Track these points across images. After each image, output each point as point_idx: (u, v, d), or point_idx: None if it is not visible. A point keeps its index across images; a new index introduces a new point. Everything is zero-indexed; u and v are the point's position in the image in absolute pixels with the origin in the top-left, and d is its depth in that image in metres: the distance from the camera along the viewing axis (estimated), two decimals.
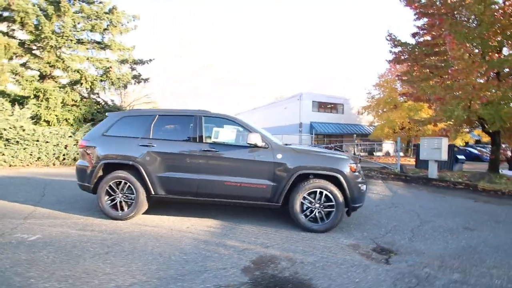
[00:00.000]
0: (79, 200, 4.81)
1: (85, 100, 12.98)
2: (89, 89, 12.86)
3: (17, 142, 9.63)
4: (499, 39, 8.77)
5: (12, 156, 9.62)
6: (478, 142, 27.54)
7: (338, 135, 25.35)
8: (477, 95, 8.43)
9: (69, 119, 11.59)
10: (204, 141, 3.66)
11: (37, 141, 10.00)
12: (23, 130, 9.68)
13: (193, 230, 3.41)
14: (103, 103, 14.34)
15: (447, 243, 3.23)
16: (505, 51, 9.26)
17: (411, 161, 17.61)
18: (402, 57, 12.19)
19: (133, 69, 14.64)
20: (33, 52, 11.59)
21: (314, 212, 3.44)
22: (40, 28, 10.54)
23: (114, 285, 2.09)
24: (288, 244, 3.06)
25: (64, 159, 10.71)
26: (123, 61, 14.18)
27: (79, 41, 12.47)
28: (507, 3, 8.62)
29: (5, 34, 11.21)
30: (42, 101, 10.72)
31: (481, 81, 8.80)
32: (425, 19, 10.99)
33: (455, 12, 9.62)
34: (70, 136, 10.82)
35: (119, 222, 3.62)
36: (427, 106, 15.20)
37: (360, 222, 4.00)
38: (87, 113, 12.49)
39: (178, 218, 3.89)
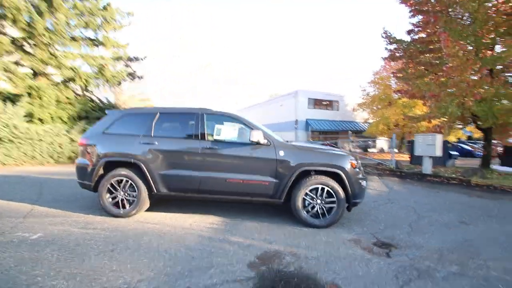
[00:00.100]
0: (78, 199, 4.78)
1: (79, 97, 12.78)
2: (83, 87, 12.67)
3: (11, 140, 9.45)
4: (492, 36, 8.93)
5: (5, 155, 9.43)
6: (469, 138, 28.06)
7: (333, 132, 25.53)
8: (471, 92, 8.58)
9: (63, 117, 11.40)
10: (206, 139, 3.67)
11: (31, 139, 9.82)
12: (17, 128, 9.49)
13: (196, 227, 3.43)
14: (97, 101, 14.15)
15: (444, 237, 3.32)
16: (497, 48, 9.42)
17: (405, 157, 17.86)
18: (397, 54, 12.32)
19: (127, 66, 14.47)
20: (25, 49, 11.33)
21: (315, 208, 3.50)
22: (32, 25, 10.30)
23: (122, 281, 2.10)
24: (291, 239, 3.11)
25: (58, 157, 10.56)
26: (117, 58, 13.99)
27: (72, 38, 12.24)
28: (500, 0, 8.78)
29: None
30: (35, 99, 10.51)
31: (475, 78, 8.95)
32: (420, 17, 11.10)
33: (450, 10, 9.75)
34: (65, 134, 10.65)
35: (121, 220, 3.61)
36: (422, 103, 15.42)
37: (359, 217, 4.07)
38: (82, 111, 12.30)
39: (180, 215, 3.90)
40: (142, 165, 3.61)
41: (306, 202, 3.52)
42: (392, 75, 20.69)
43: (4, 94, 10.73)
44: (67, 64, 11.78)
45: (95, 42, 13.30)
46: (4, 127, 9.29)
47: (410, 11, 11.10)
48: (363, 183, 3.65)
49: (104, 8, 12.92)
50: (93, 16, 12.59)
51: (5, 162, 9.45)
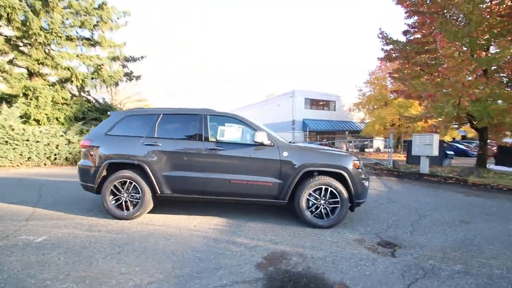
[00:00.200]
0: (79, 201, 4.74)
1: (75, 98, 12.66)
2: (80, 87, 12.55)
3: (6, 142, 9.33)
4: (487, 37, 9.08)
5: (1, 157, 9.31)
6: (464, 137, 28.48)
7: (330, 132, 25.68)
8: (466, 92, 8.72)
9: (59, 118, 11.29)
10: (210, 140, 3.68)
11: (27, 140, 9.71)
12: (12, 129, 9.38)
13: (200, 228, 3.44)
14: (94, 101, 14.03)
15: (446, 236, 3.38)
16: (492, 49, 9.59)
17: (402, 156, 18.06)
18: (394, 55, 12.44)
19: (124, 66, 14.37)
20: (20, 49, 11.19)
21: (319, 209, 3.53)
22: (27, 24, 10.16)
23: (132, 284, 2.10)
24: (296, 240, 3.13)
25: (55, 159, 10.46)
26: (114, 58, 13.89)
27: (68, 38, 12.12)
28: (493, 2, 8.94)
29: None
30: (31, 99, 10.39)
31: (470, 78, 9.10)
32: (416, 17, 11.22)
33: (445, 11, 9.89)
34: (62, 135, 10.55)
35: (125, 222, 3.60)
36: (418, 103, 15.59)
37: (361, 217, 4.11)
38: (78, 112, 12.20)
39: (184, 216, 3.90)
40: (146, 167, 3.60)
41: (310, 203, 3.55)
42: (388, 75, 20.94)
43: None
44: (63, 64, 11.66)
45: (91, 42, 13.19)
46: (0, 128, 9.16)
47: (406, 12, 11.21)
48: (366, 183, 3.70)
49: (100, 7, 12.82)
50: (89, 15, 12.49)
51: (1, 164, 9.33)
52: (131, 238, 3.03)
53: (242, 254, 2.70)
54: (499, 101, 8.96)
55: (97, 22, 12.56)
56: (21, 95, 10.36)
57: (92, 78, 12.31)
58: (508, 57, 8.41)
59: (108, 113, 4.14)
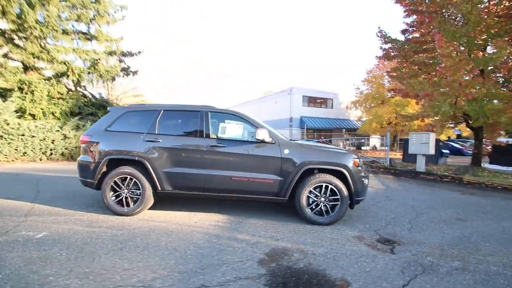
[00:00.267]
0: (77, 196, 4.72)
1: (71, 93, 12.51)
2: (76, 82, 12.39)
3: (1, 136, 9.21)
4: (484, 37, 9.15)
5: None
6: (459, 136, 28.82)
7: (328, 129, 25.79)
8: (463, 92, 8.80)
9: (55, 112, 11.15)
10: (211, 137, 3.68)
11: (23, 135, 9.59)
12: (7, 124, 9.25)
13: (201, 224, 3.45)
14: (90, 96, 13.88)
15: (443, 233, 3.44)
16: (489, 49, 9.67)
17: (398, 155, 18.24)
18: (392, 54, 12.48)
19: (121, 61, 14.22)
20: (15, 42, 10.98)
21: (319, 206, 3.56)
22: (23, 17, 9.97)
23: (136, 280, 2.11)
24: (297, 236, 3.16)
25: (51, 154, 10.36)
26: (110, 53, 13.74)
27: (64, 32, 11.92)
28: (491, 2, 9.00)
29: None
30: (26, 93, 10.23)
31: (467, 78, 9.18)
32: (415, 16, 11.25)
33: (443, 11, 9.93)
34: (58, 131, 10.44)
35: (126, 218, 3.60)
36: (415, 102, 15.69)
37: (360, 214, 4.16)
38: (74, 107, 12.05)
39: (185, 213, 3.91)
40: (147, 163, 3.59)
41: (310, 200, 3.58)
42: (385, 74, 21.03)
43: None
44: (59, 58, 11.49)
45: (87, 36, 13.01)
46: None
47: (405, 11, 11.23)
48: (365, 181, 3.73)
49: (97, 0, 12.62)
50: (86, 8, 12.29)
51: None
52: (132, 234, 3.03)
53: (244, 251, 2.72)
54: (495, 101, 9.06)
55: (93, 16, 12.39)
56: (16, 89, 10.21)
57: (89, 73, 12.17)
58: (505, 58, 8.51)
59: (108, 108, 4.11)
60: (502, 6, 8.71)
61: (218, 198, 3.77)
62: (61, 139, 10.45)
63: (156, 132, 3.73)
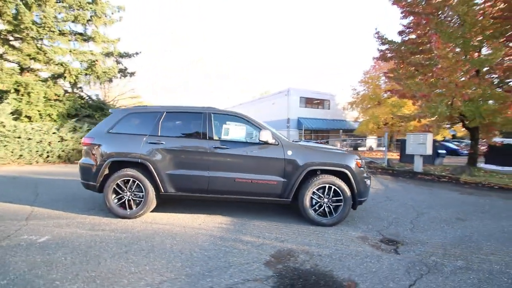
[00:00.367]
0: (77, 199, 4.67)
1: (68, 94, 12.40)
2: (73, 83, 12.28)
3: None
4: (479, 39, 9.28)
5: None
6: (453, 136, 29.13)
7: (325, 130, 25.90)
8: (459, 93, 8.91)
9: (52, 114, 11.03)
10: (214, 138, 3.67)
11: (19, 137, 9.48)
12: (3, 126, 9.14)
13: (205, 227, 3.44)
14: (87, 98, 13.77)
15: (445, 233, 3.48)
16: (484, 50, 9.82)
17: (394, 155, 18.38)
18: (389, 55, 12.60)
19: (118, 62, 14.13)
20: (11, 43, 10.85)
21: (323, 207, 3.58)
22: (19, 18, 9.86)
23: (144, 283, 2.10)
24: (301, 238, 3.17)
25: (48, 156, 10.24)
26: (108, 54, 13.64)
27: (61, 33, 11.82)
28: (487, 4, 9.15)
29: None
30: (23, 95, 10.11)
31: (463, 79, 9.30)
32: (411, 18, 11.37)
33: (440, 12, 10.06)
34: (54, 133, 10.34)
35: (129, 221, 3.57)
36: (412, 102, 15.84)
37: (362, 215, 4.19)
38: (71, 108, 11.95)
39: (188, 215, 3.90)
40: (150, 165, 3.57)
41: (314, 201, 3.59)
42: (382, 75, 21.20)
43: None
44: (56, 59, 11.37)
45: (84, 37, 12.91)
46: None
47: (402, 12, 11.34)
48: (368, 181, 3.76)
49: (94, 1, 12.54)
50: (83, 9, 12.20)
51: None
52: (136, 237, 3.02)
53: (250, 252, 2.73)
54: (491, 102, 9.19)
55: (90, 16, 12.30)
56: (12, 90, 10.08)
57: (86, 74, 12.08)
58: (500, 59, 8.64)
59: (110, 110, 4.09)
60: (497, 8, 8.86)
61: (222, 200, 3.76)
62: (58, 141, 10.34)
63: (159, 134, 3.71)
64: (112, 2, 13.17)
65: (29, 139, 9.66)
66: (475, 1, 8.82)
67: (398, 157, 14.94)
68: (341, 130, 22.91)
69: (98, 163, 3.68)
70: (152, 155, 3.62)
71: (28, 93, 10.22)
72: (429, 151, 9.43)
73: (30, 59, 10.81)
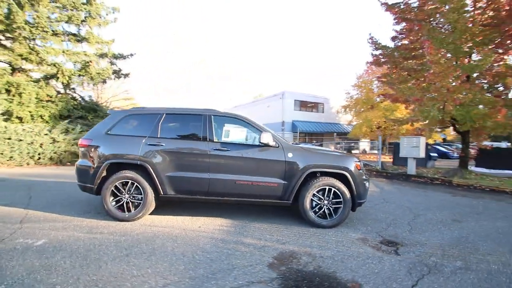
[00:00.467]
0: (73, 202, 4.58)
1: (60, 95, 12.18)
2: (66, 84, 12.08)
3: None
4: (469, 45, 9.56)
5: None
6: (444, 140, 29.77)
7: (319, 133, 26.11)
8: (451, 97, 9.14)
9: (44, 115, 10.80)
10: (214, 140, 3.66)
11: (9, 139, 9.25)
12: None
13: (206, 229, 3.41)
14: (79, 99, 13.55)
15: (442, 234, 3.54)
16: (474, 57, 10.10)
17: (387, 158, 18.64)
18: (382, 60, 12.83)
19: (112, 63, 13.98)
20: (2, 43, 10.61)
21: (323, 209, 3.59)
22: (11, 17, 9.67)
23: (148, 286, 2.06)
24: (303, 239, 3.18)
25: (39, 158, 10.02)
26: (102, 55, 13.49)
27: (54, 33, 11.63)
28: (476, 12, 9.44)
29: None
30: (14, 96, 9.89)
31: (454, 84, 9.54)
32: (404, 24, 11.63)
33: (431, 19, 10.33)
34: (46, 134, 10.14)
35: (127, 223, 3.52)
36: (404, 106, 16.16)
37: (360, 217, 4.23)
38: (64, 110, 11.73)
39: (187, 217, 3.86)
40: (149, 167, 3.53)
41: (314, 203, 3.61)
42: (375, 79, 21.56)
43: None
44: (49, 60, 11.18)
45: (78, 38, 12.74)
46: None
47: (394, 19, 11.60)
48: (367, 183, 3.80)
49: (88, 2, 12.42)
50: (77, 10, 12.05)
51: None
52: (136, 240, 2.97)
53: (252, 255, 2.72)
54: (481, 106, 9.44)
55: (85, 17, 12.16)
56: (3, 91, 9.84)
57: (80, 75, 11.89)
58: (489, 65, 8.90)
59: (108, 112, 4.04)
60: (486, 16, 9.15)
61: (222, 202, 3.74)
62: (50, 143, 10.13)
63: (159, 136, 3.68)
64: (107, 3, 13.08)
65: (20, 140, 9.44)
66: (466, 9, 9.10)
67: (391, 160, 15.17)
68: (335, 133, 23.16)
69: (96, 165, 3.62)
70: (152, 157, 3.58)
71: (20, 94, 9.99)
72: (422, 154, 9.60)
73: (22, 59, 10.60)
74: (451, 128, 11.95)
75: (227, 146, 3.64)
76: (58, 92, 12.23)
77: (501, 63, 9.42)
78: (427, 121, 10.94)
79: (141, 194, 3.58)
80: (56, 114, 11.24)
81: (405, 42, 12.23)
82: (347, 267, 2.52)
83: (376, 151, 21.53)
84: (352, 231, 3.53)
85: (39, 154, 9.92)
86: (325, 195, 3.59)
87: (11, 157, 9.35)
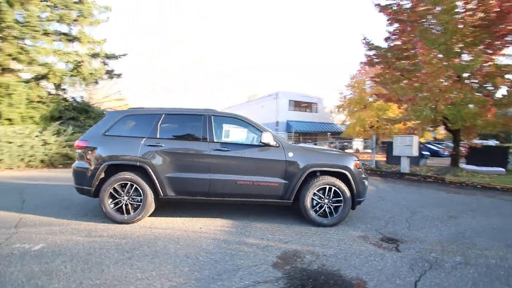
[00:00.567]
0: (68, 205, 4.48)
1: (51, 96, 11.90)
2: (57, 85, 11.82)
3: None
4: (460, 46, 9.78)
5: None
6: (434, 139, 30.36)
7: (313, 133, 26.27)
8: (442, 97, 9.32)
9: (34, 117, 10.54)
10: (215, 141, 3.64)
11: None
12: None
13: (207, 230, 3.39)
14: (71, 100, 13.27)
15: (440, 230, 3.61)
16: (464, 57, 10.34)
17: (380, 157, 18.89)
18: (376, 60, 13.00)
19: (105, 63, 13.75)
20: None
21: (323, 208, 3.62)
22: (0, 16, 9.40)
23: None
24: (304, 238, 3.19)
25: (30, 161, 9.75)
26: (94, 55, 13.24)
27: (45, 32, 11.37)
28: (467, 13, 9.67)
29: None
30: (3, 97, 9.61)
31: (446, 84, 9.74)
32: (397, 25, 11.82)
33: (423, 20, 10.53)
34: (37, 136, 9.88)
35: (127, 226, 3.46)
36: (397, 106, 16.40)
37: (359, 215, 4.27)
38: (55, 111, 11.46)
39: (187, 219, 3.83)
40: (149, 168, 3.49)
41: (314, 202, 3.63)
42: (368, 79, 21.84)
43: None
44: (39, 60, 10.92)
45: (69, 38, 12.46)
46: None
47: (388, 20, 11.76)
48: (366, 182, 3.85)
49: (80, 1, 12.17)
50: (68, 9, 11.81)
51: None
52: (137, 243, 2.93)
53: (256, 254, 2.71)
54: (471, 105, 9.67)
55: (77, 16, 11.91)
56: None
57: (72, 76, 11.65)
58: (479, 65, 9.13)
59: (105, 112, 3.98)
60: (476, 17, 9.37)
61: (223, 203, 3.73)
62: (41, 145, 9.88)
63: (158, 137, 3.64)
64: (99, 2, 12.86)
65: (10, 142, 9.18)
66: (456, 10, 9.30)
67: (385, 159, 15.39)
68: (329, 133, 23.35)
69: (94, 166, 3.55)
70: (151, 158, 3.54)
71: (9, 95, 9.71)
72: (415, 152, 9.78)
73: (12, 59, 10.31)
74: (442, 127, 12.19)
75: (228, 146, 3.63)
76: (49, 93, 11.95)
77: (490, 63, 9.67)
78: (419, 120, 11.15)
79: (140, 196, 3.53)
80: (47, 115, 10.98)
81: (398, 42, 12.40)
82: (350, 264, 2.54)
83: (369, 150, 21.81)
84: (352, 229, 3.56)
85: (29, 156, 9.66)
86: (326, 194, 3.61)
87: (1, 160, 9.09)
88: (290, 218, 3.96)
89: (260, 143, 3.60)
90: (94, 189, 3.54)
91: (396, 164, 11.97)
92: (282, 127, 25.35)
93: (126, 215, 3.51)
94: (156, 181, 3.50)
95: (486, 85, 10.16)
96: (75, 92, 14.86)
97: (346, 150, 26.47)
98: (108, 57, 13.50)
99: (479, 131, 10.90)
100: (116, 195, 3.52)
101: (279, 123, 25.31)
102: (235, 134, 3.76)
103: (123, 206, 3.52)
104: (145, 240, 3.00)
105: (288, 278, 2.27)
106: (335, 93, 26.01)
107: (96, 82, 13.49)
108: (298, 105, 27.25)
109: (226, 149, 3.60)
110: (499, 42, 9.42)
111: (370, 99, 22.25)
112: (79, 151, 3.69)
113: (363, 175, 3.82)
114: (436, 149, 23.24)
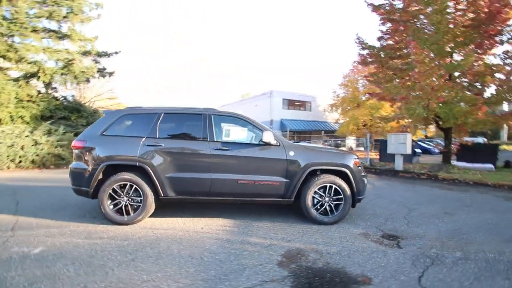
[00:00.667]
0: (64, 207, 4.39)
1: (42, 95, 11.61)
2: (47, 83, 11.53)
3: None
4: (451, 45, 9.98)
5: None
6: (426, 136, 30.96)
7: (307, 131, 26.41)
8: (435, 95, 9.51)
9: (24, 116, 10.28)
10: (215, 140, 3.62)
11: None
12: None
13: (209, 230, 3.38)
14: (62, 99, 12.98)
15: (438, 227, 3.68)
16: (455, 56, 10.56)
17: (373, 155, 19.14)
18: (369, 59, 13.14)
19: (97, 62, 13.48)
20: None
21: (324, 206, 3.65)
22: None
23: None
24: (307, 237, 3.21)
25: (20, 161, 9.51)
26: (85, 53, 12.98)
27: (34, 30, 11.06)
28: (457, 13, 9.88)
29: None
30: None
31: (437, 82, 9.93)
32: (389, 25, 11.97)
33: (415, 20, 10.69)
34: (27, 136, 9.65)
35: (127, 227, 3.41)
36: (390, 105, 16.62)
37: (358, 212, 4.32)
38: (45, 110, 11.20)
39: (188, 219, 3.80)
40: (148, 168, 3.44)
41: (315, 200, 3.65)
42: (360, 78, 22.08)
43: None
44: (28, 58, 10.62)
45: (59, 35, 12.17)
46: None
47: (380, 19, 11.90)
48: (365, 180, 3.90)
49: None
50: (58, 5, 11.51)
51: None
52: (139, 244, 2.89)
53: (260, 254, 2.71)
54: (462, 104, 9.89)
55: (66, 13, 11.62)
56: None
57: (62, 74, 11.38)
58: (470, 64, 9.34)
59: (103, 112, 3.91)
60: (466, 18, 9.57)
61: (224, 202, 3.71)
62: (32, 145, 9.64)
63: (158, 136, 3.59)
64: None
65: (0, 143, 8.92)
66: (447, 10, 9.48)
67: (378, 157, 15.61)
68: (322, 131, 23.53)
69: (92, 167, 3.48)
70: (151, 158, 3.49)
71: None
72: (408, 150, 9.95)
73: (0, 57, 10.01)
74: (434, 125, 12.43)
75: (228, 146, 3.61)
76: (39, 92, 11.66)
77: (480, 62, 9.91)
78: (412, 119, 11.35)
79: (140, 197, 3.49)
80: (37, 114, 10.72)
81: (391, 42, 12.57)
82: (354, 262, 2.57)
83: (362, 148, 22.10)
84: (353, 227, 3.60)
85: (20, 157, 9.42)
86: (326, 192, 3.64)
87: None
88: (291, 217, 3.97)
89: (261, 142, 3.60)
90: (92, 190, 3.47)
91: (390, 161, 12.14)
92: (276, 126, 25.38)
93: (126, 216, 3.46)
94: (156, 182, 3.45)
95: (476, 84, 10.41)
96: (66, 91, 14.57)
97: (340, 148, 26.78)
98: (100, 55, 13.25)
99: (470, 129, 11.16)
100: (115, 196, 3.46)
101: (273, 122, 25.33)
102: (236, 133, 3.75)
103: (123, 207, 3.47)
104: (147, 241, 2.97)
105: (295, 277, 2.28)
106: (329, 92, 26.21)
107: (88, 81, 13.23)
108: (292, 103, 27.34)
109: (227, 148, 3.59)
110: (488, 42, 9.65)
111: (363, 98, 22.54)
112: (76, 151, 3.61)
113: (363, 173, 3.86)
114: (427, 146, 23.67)
